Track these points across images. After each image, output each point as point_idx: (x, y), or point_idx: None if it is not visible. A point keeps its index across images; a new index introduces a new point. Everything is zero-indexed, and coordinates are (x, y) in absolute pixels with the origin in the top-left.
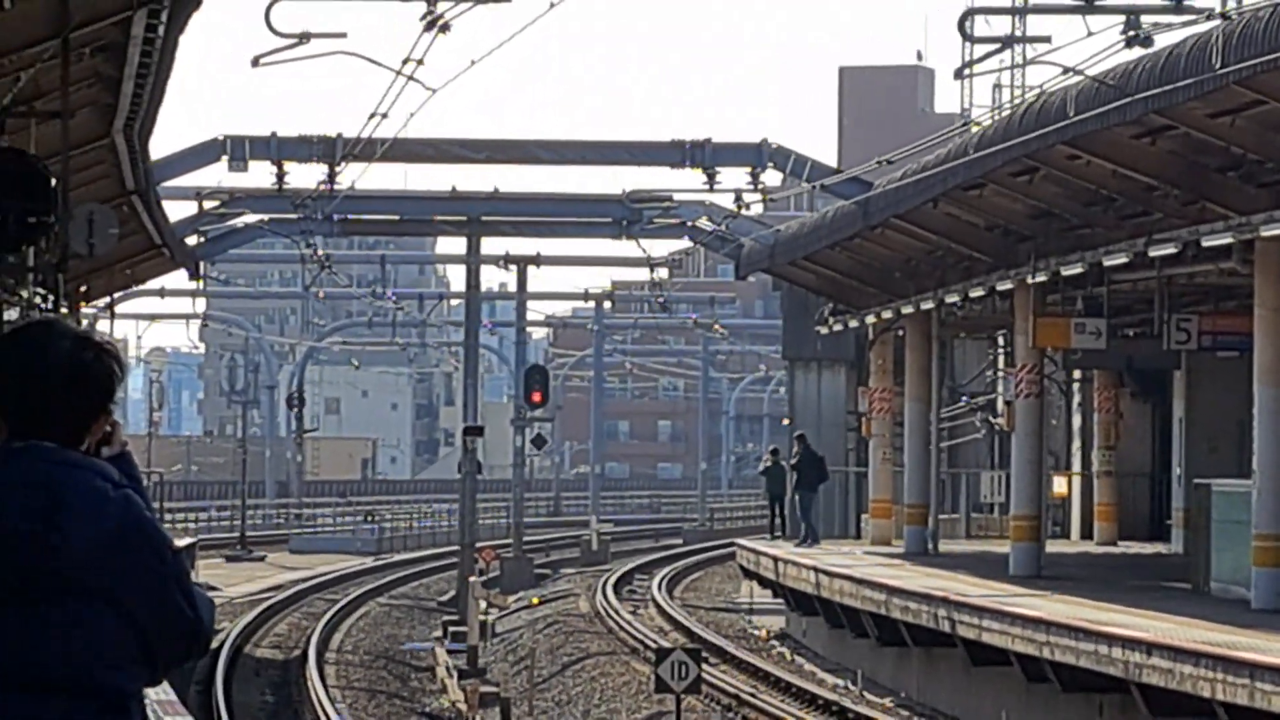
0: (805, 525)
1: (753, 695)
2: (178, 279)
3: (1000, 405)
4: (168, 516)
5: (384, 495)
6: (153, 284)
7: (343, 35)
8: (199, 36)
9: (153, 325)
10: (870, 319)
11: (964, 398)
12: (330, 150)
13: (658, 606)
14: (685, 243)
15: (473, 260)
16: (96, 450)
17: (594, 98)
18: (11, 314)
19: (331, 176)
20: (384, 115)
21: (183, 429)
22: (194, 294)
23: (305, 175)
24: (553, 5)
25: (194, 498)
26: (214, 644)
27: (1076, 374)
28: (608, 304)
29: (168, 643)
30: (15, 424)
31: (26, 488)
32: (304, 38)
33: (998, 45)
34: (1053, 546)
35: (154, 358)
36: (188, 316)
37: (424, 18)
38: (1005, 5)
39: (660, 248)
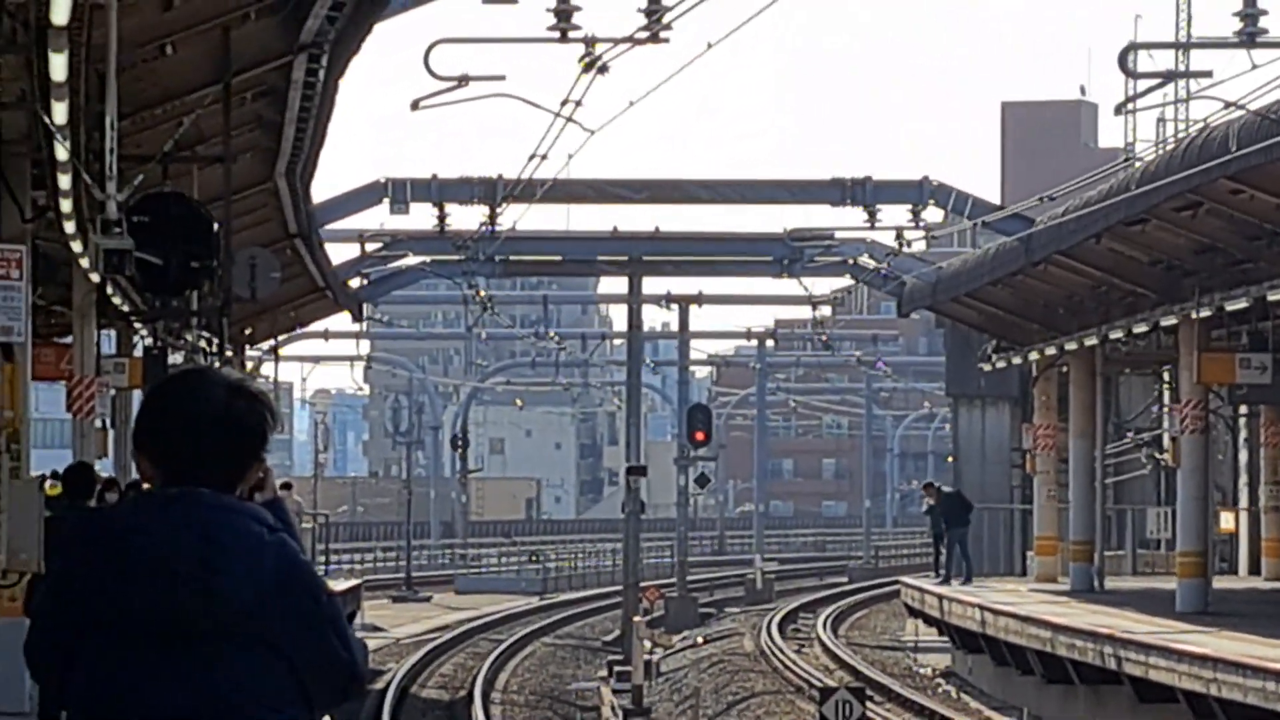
0: (965, 562)
1: None
2: (341, 321)
3: (1166, 441)
4: (334, 557)
5: (548, 535)
6: (317, 326)
7: (501, 78)
8: (359, 79)
9: (317, 367)
10: (1034, 355)
11: (1129, 433)
12: (491, 191)
13: (822, 645)
14: (847, 280)
15: (634, 300)
16: (250, 496)
17: (753, 136)
18: (176, 358)
19: (492, 217)
20: (544, 156)
21: (348, 470)
22: (358, 335)
23: (466, 217)
24: (710, 46)
25: (360, 539)
26: (380, 684)
27: (1243, 409)
28: (770, 342)
29: (324, 685)
30: (170, 471)
31: (184, 531)
32: (463, 80)
33: (1159, 80)
34: (1220, 582)
35: (319, 399)
36: (352, 358)
37: (582, 59)
38: (1168, 40)
39: (822, 286)
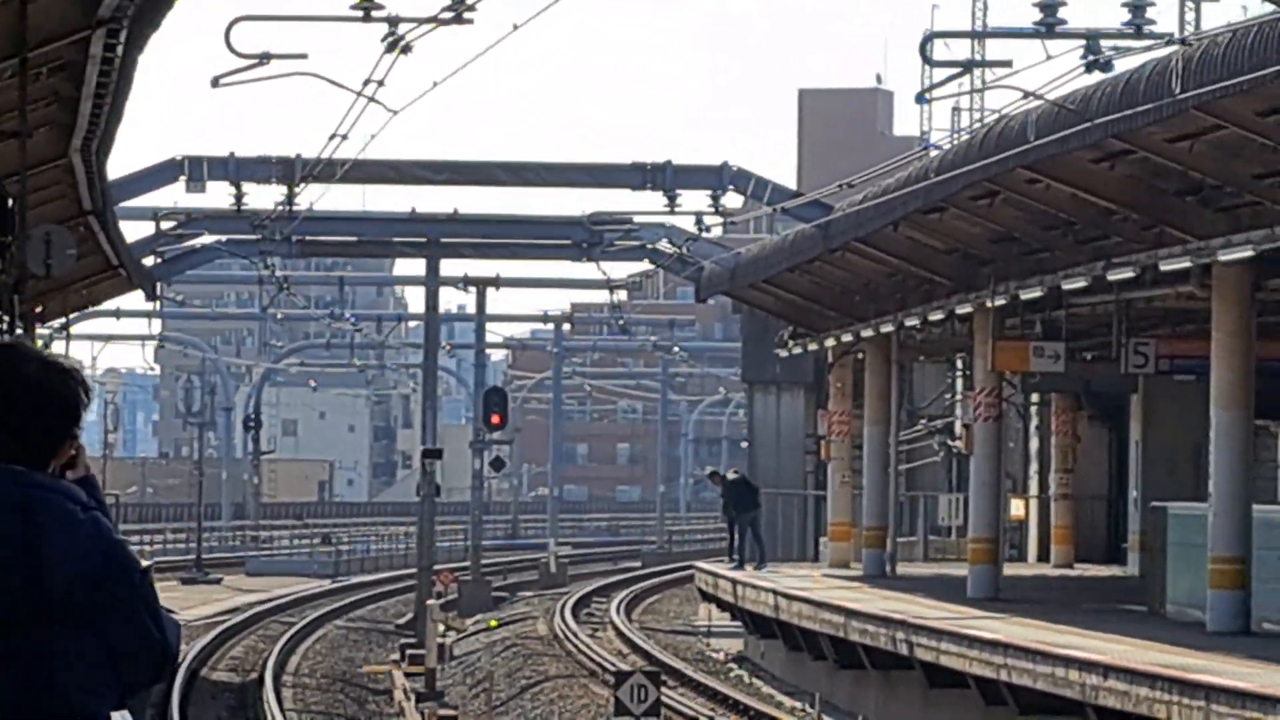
0: (759, 547)
1: (711, 718)
2: (134, 300)
3: (959, 428)
4: (123, 539)
5: (341, 518)
6: (109, 305)
7: (304, 56)
8: (158, 56)
9: (108, 346)
10: (830, 342)
11: (922, 421)
12: (289, 171)
13: (616, 629)
14: (645, 265)
15: (432, 282)
16: (61, 473)
17: (555, 120)
18: None
19: (290, 197)
20: (344, 136)
21: (138, 451)
22: (150, 315)
23: (264, 196)
24: (516, 27)
25: (150, 520)
26: None
27: (1034, 397)
28: (567, 326)
29: (137, 666)
30: None
31: (4, 512)
32: (264, 58)
33: (958, 69)
34: (1010, 569)
35: (109, 379)
36: (144, 338)
37: (385, 39)
38: (965, 29)
39: (620, 270)
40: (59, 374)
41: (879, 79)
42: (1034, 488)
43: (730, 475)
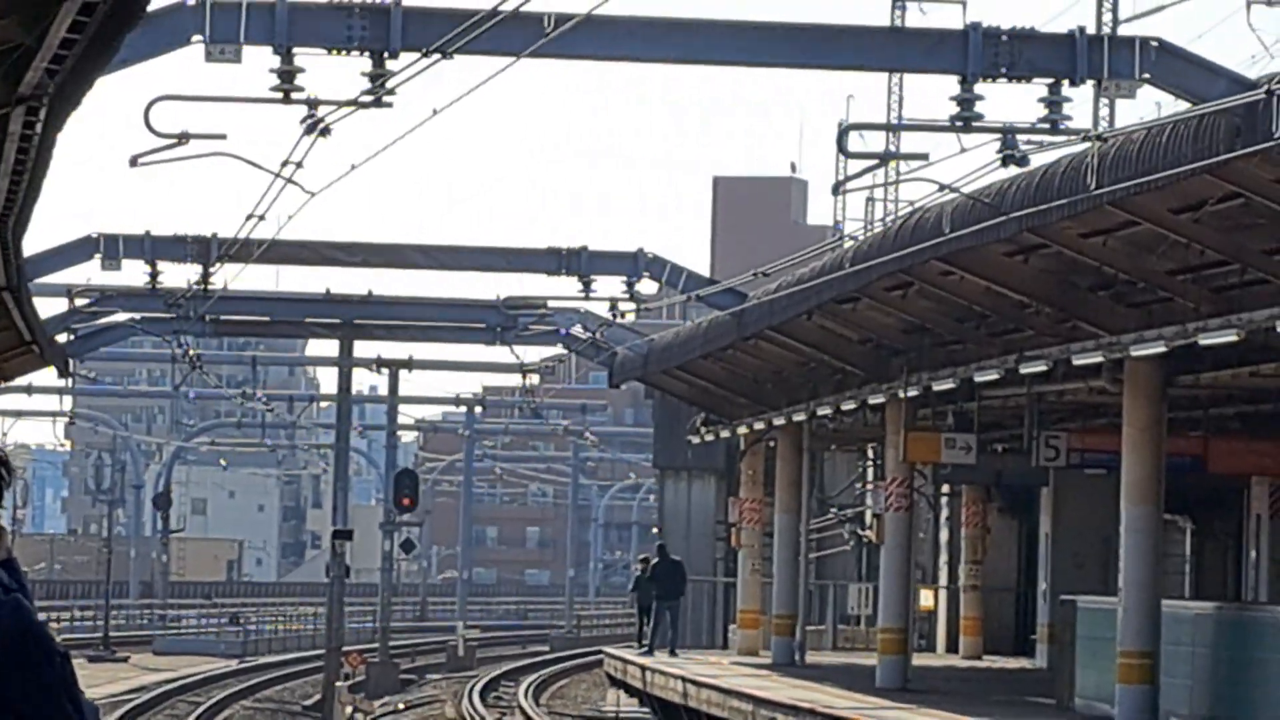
0: (673, 632)
1: None
2: (46, 376)
3: (869, 518)
4: (44, 621)
5: (250, 597)
6: (20, 380)
7: (222, 136)
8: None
9: (18, 422)
10: (742, 429)
11: (833, 510)
12: (205, 250)
13: (524, 714)
14: (559, 349)
15: (345, 363)
16: None
17: (471, 204)
18: None
19: (205, 277)
20: (261, 217)
21: (45, 527)
22: (61, 391)
23: (179, 275)
24: (435, 112)
25: (57, 597)
26: None
27: (945, 488)
28: (479, 409)
29: None
30: None
31: None
32: (183, 138)
33: (875, 161)
34: (919, 659)
35: (19, 454)
36: (55, 414)
37: (304, 120)
38: (880, 122)
39: (533, 354)
40: None
41: (794, 168)
42: (944, 578)
43: (671, 558)
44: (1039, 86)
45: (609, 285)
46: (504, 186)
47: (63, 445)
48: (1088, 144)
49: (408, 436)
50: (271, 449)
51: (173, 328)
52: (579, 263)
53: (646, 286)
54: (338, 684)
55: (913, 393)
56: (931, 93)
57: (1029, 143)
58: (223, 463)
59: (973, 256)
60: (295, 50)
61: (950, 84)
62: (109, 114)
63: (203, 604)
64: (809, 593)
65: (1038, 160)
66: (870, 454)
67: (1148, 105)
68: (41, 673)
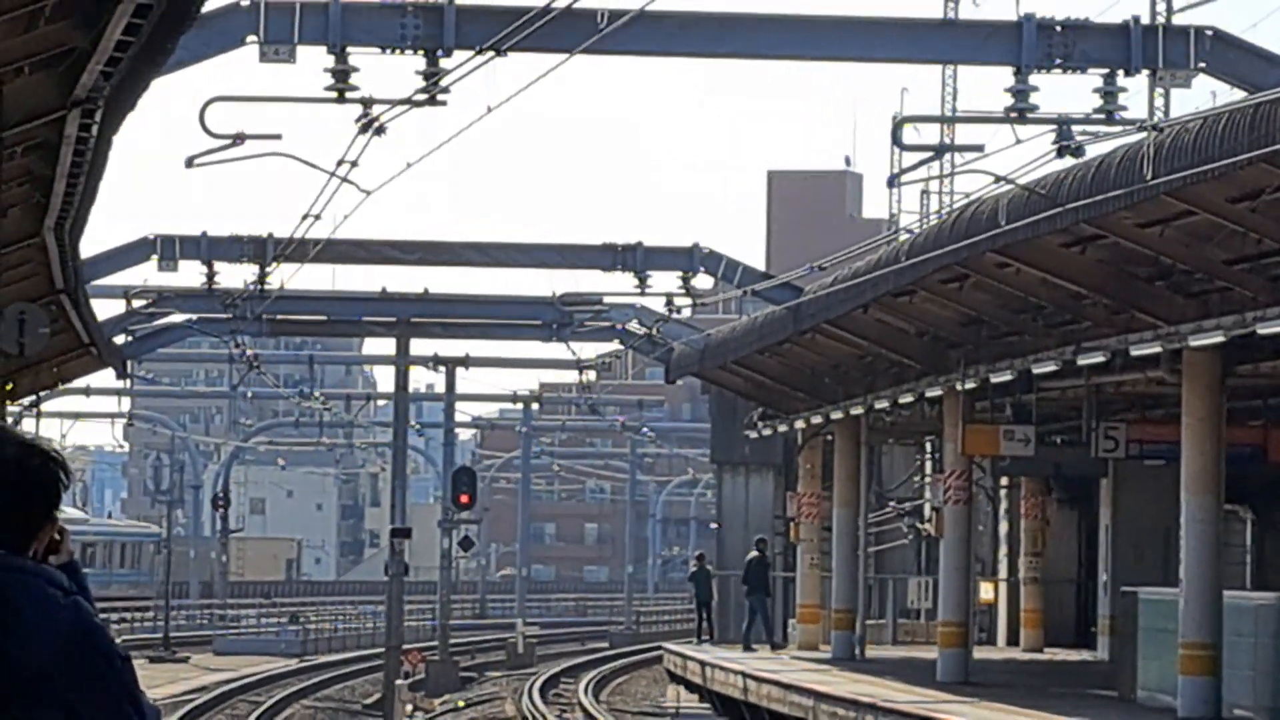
0: (762, 627)
1: None
2: (104, 377)
3: (928, 511)
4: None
5: (309, 596)
6: (78, 382)
7: (278, 136)
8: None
9: (77, 423)
10: (799, 424)
11: (891, 503)
12: (261, 250)
13: (584, 710)
14: (615, 346)
15: (401, 361)
16: (43, 558)
17: (527, 200)
18: None
19: (262, 277)
20: (317, 216)
21: None
22: (120, 393)
23: (235, 275)
24: (490, 109)
25: (117, 598)
26: None
27: (1004, 480)
28: (536, 406)
29: None
30: None
31: None
32: (239, 138)
33: (930, 154)
34: (979, 653)
35: (78, 456)
36: (113, 415)
37: (359, 120)
38: (935, 114)
39: (589, 350)
40: (39, 457)
41: (848, 161)
42: (1003, 571)
43: (751, 555)
44: (1094, 77)
45: (665, 281)
46: (559, 183)
47: (121, 446)
48: (1144, 134)
49: (465, 434)
50: (329, 448)
51: (230, 328)
52: (634, 259)
53: (702, 281)
54: (398, 682)
55: (970, 385)
56: (986, 84)
57: (1084, 133)
58: (280, 462)
59: (1029, 248)
60: (349, 49)
61: (1005, 75)
62: (164, 115)
63: (262, 603)
64: (868, 587)
65: (1093, 151)
66: (928, 447)
67: (1203, 94)
68: (102, 675)
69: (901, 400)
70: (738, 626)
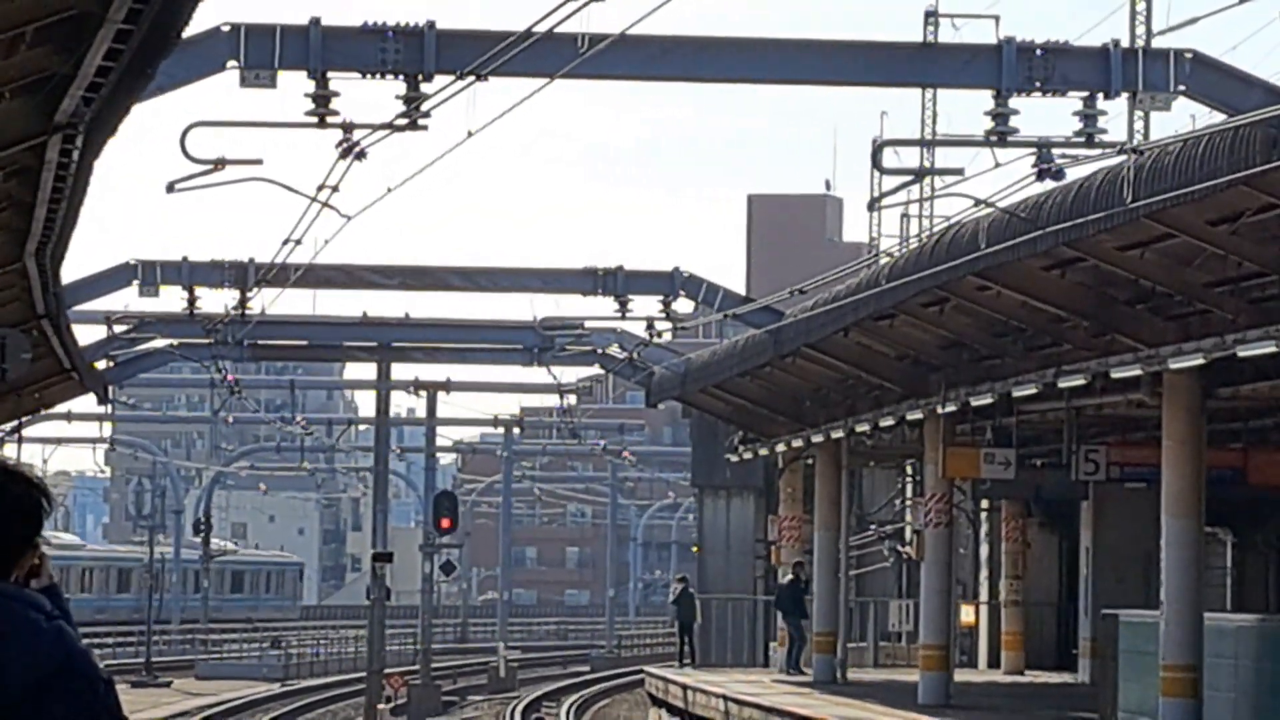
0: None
1: None
2: (85, 402)
3: (909, 534)
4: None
5: (291, 620)
6: (60, 407)
7: (258, 162)
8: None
9: (59, 448)
10: (780, 447)
11: (873, 526)
12: (242, 275)
13: None
14: (596, 370)
15: (383, 386)
16: (25, 582)
17: (507, 225)
18: None
19: (243, 302)
20: (298, 241)
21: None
22: (101, 418)
23: (217, 300)
24: (470, 134)
25: (99, 622)
26: None
27: (984, 503)
28: (517, 430)
29: None
30: None
31: None
32: (220, 164)
33: (910, 177)
34: (961, 675)
35: (60, 481)
36: (95, 440)
37: (340, 145)
38: (915, 138)
39: (570, 374)
40: (21, 483)
41: (828, 185)
42: (984, 594)
43: (785, 578)
44: (1073, 100)
45: (645, 305)
46: (538, 207)
47: (103, 471)
48: (1123, 157)
49: (446, 458)
50: (311, 473)
51: (211, 353)
52: (615, 283)
53: (683, 305)
54: (380, 706)
55: (951, 408)
56: (966, 107)
57: (1064, 156)
58: (262, 487)
59: (1009, 271)
60: (330, 74)
61: (985, 99)
62: (145, 140)
63: (244, 628)
64: (850, 610)
65: (1073, 174)
66: (909, 470)
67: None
68: (86, 699)
69: (882, 423)
70: (719, 650)
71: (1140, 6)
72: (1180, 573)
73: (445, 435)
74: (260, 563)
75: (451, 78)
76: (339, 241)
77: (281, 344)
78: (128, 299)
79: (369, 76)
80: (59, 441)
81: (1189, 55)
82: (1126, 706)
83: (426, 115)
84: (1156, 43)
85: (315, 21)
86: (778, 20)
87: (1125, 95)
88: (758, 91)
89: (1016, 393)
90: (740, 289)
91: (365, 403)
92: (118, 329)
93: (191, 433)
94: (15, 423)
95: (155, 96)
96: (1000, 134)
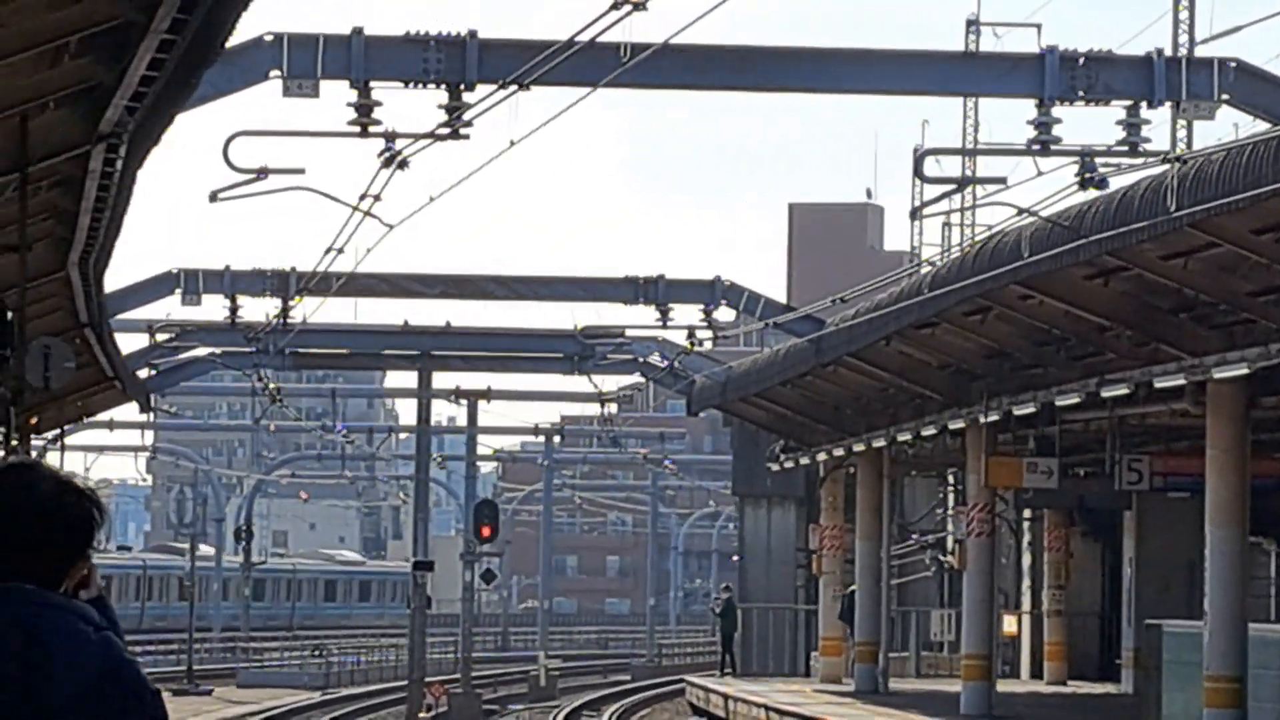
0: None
1: None
2: (127, 411)
3: (950, 544)
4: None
5: (332, 629)
6: (102, 416)
7: (301, 171)
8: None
9: (101, 457)
10: (821, 456)
11: (914, 535)
12: (284, 284)
13: None
14: (636, 378)
15: (424, 394)
16: (74, 593)
17: (549, 233)
18: None
19: (284, 310)
20: (339, 250)
21: None
22: (143, 426)
23: (258, 309)
24: (512, 143)
25: (140, 630)
26: None
27: (1027, 513)
28: (557, 439)
29: None
30: None
31: (8, 630)
32: (262, 173)
33: (952, 186)
34: (1003, 686)
35: (102, 489)
36: (136, 449)
37: (382, 154)
38: (957, 147)
39: (611, 383)
40: (73, 494)
41: (869, 194)
42: (1027, 603)
43: (849, 590)
44: (1117, 109)
45: (686, 313)
46: (579, 215)
47: (144, 480)
48: (1167, 165)
49: (487, 467)
50: (351, 481)
51: (253, 361)
52: (656, 291)
53: (724, 314)
54: (421, 715)
55: (993, 417)
56: (1008, 116)
57: (1107, 165)
58: (303, 495)
59: (1052, 280)
60: (372, 84)
61: (1027, 107)
62: (188, 149)
63: (285, 636)
64: (891, 619)
65: (1117, 182)
66: (951, 479)
67: (1226, 126)
68: (133, 710)
69: (924, 433)
70: (760, 659)
71: (1183, 15)
72: (1224, 583)
73: (486, 443)
74: (380, 573)
75: (493, 87)
76: (380, 250)
77: (323, 352)
78: (170, 307)
79: (411, 86)
80: (101, 449)
81: (1232, 64)
82: (1170, 717)
83: (468, 124)
84: (1200, 51)
85: (358, 31)
86: (819, 29)
87: (1168, 104)
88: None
89: (1059, 402)
90: (781, 298)
91: (406, 411)
92: (160, 337)
93: (233, 441)
94: (58, 431)
95: (198, 106)
96: (1043, 143)
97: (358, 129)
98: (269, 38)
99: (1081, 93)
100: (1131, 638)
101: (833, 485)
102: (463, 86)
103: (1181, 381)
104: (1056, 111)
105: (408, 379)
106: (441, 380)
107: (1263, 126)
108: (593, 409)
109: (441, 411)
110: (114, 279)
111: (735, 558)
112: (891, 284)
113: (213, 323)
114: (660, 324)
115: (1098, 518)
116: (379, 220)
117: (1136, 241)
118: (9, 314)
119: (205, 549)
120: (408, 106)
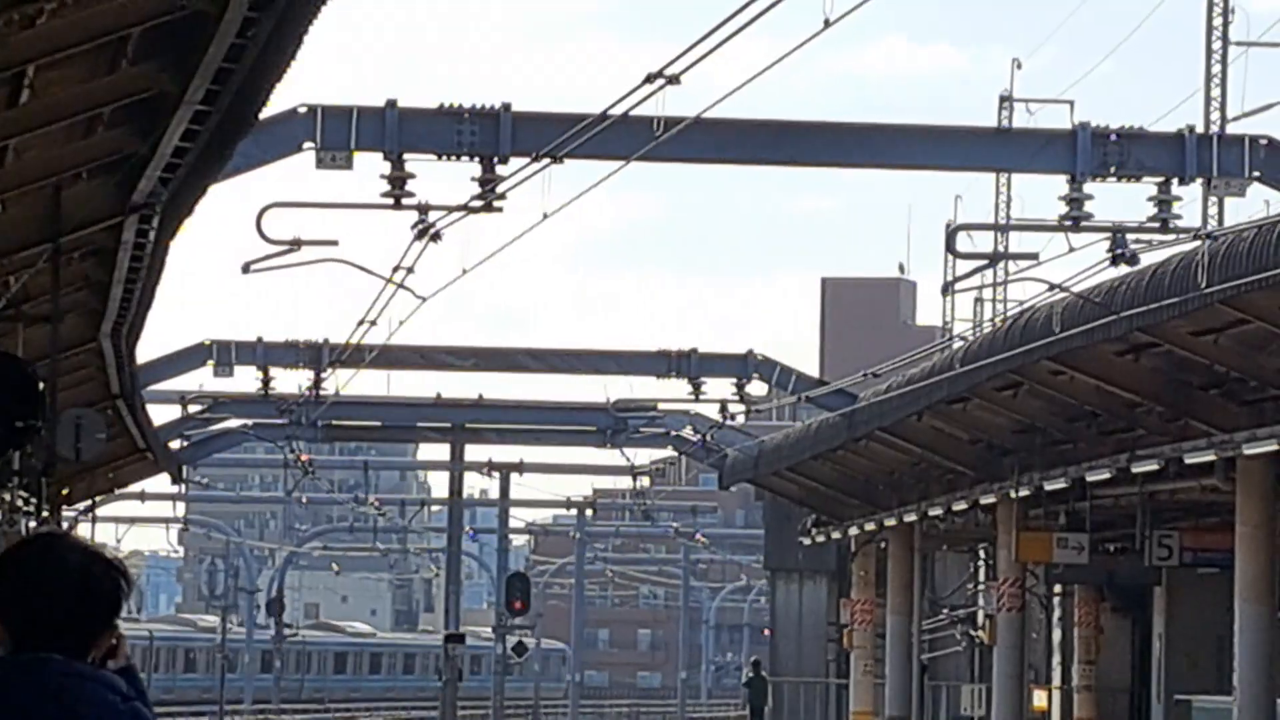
0: None
1: None
2: (159, 482)
3: (981, 618)
4: None
5: (363, 701)
6: (134, 487)
7: (334, 243)
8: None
9: (132, 528)
10: (853, 530)
11: (945, 610)
12: (316, 356)
13: None
14: (669, 451)
15: (456, 467)
16: (102, 663)
17: (582, 306)
18: None
19: (317, 382)
20: (372, 322)
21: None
22: (175, 498)
23: (291, 380)
24: (545, 216)
25: (173, 702)
26: None
27: (1057, 588)
28: (589, 512)
29: None
30: (21, 636)
31: (38, 700)
32: (295, 244)
33: (984, 261)
34: None
35: (133, 560)
36: (168, 520)
37: (415, 226)
38: (989, 222)
39: (643, 456)
40: (101, 564)
41: (902, 268)
42: (1057, 679)
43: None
44: (1148, 185)
45: (719, 387)
46: (614, 289)
47: (176, 551)
48: (1198, 242)
49: (519, 540)
50: (383, 553)
51: (285, 433)
52: (689, 365)
53: (756, 388)
54: None
55: (1024, 492)
56: (1041, 191)
57: (1138, 241)
58: (335, 567)
59: (1083, 356)
60: (405, 156)
61: (1059, 183)
62: (222, 220)
63: (317, 709)
64: (922, 694)
65: (1148, 259)
66: (982, 554)
67: (1257, 203)
68: None
69: (955, 507)
70: None
71: (1215, 92)
72: (1254, 658)
73: (518, 516)
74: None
75: (526, 159)
76: (413, 322)
77: (355, 425)
78: (202, 379)
79: (444, 158)
80: (132, 521)
81: (1264, 141)
82: None
83: (502, 197)
84: (1231, 129)
85: (391, 103)
86: (852, 104)
87: (1200, 180)
88: (832, 174)
89: (1090, 477)
90: (814, 371)
91: (438, 483)
92: (192, 409)
93: (265, 513)
94: (90, 502)
95: (232, 177)
96: (1074, 219)
97: (391, 201)
98: (303, 109)
99: (1113, 169)
100: (1161, 713)
101: (864, 559)
102: (496, 159)
103: (1211, 457)
104: (1088, 187)
105: (440, 451)
106: (474, 453)
107: None
108: (625, 482)
109: (474, 484)
110: (146, 350)
111: (766, 631)
112: (923, 359)
113: (245, 394)
114: (693, 397)
115: (1127, 593)
116: (412, 292)
117: (1167, 318)
118: (40, 385)
119: (208, 619)
120: (441, 178)
